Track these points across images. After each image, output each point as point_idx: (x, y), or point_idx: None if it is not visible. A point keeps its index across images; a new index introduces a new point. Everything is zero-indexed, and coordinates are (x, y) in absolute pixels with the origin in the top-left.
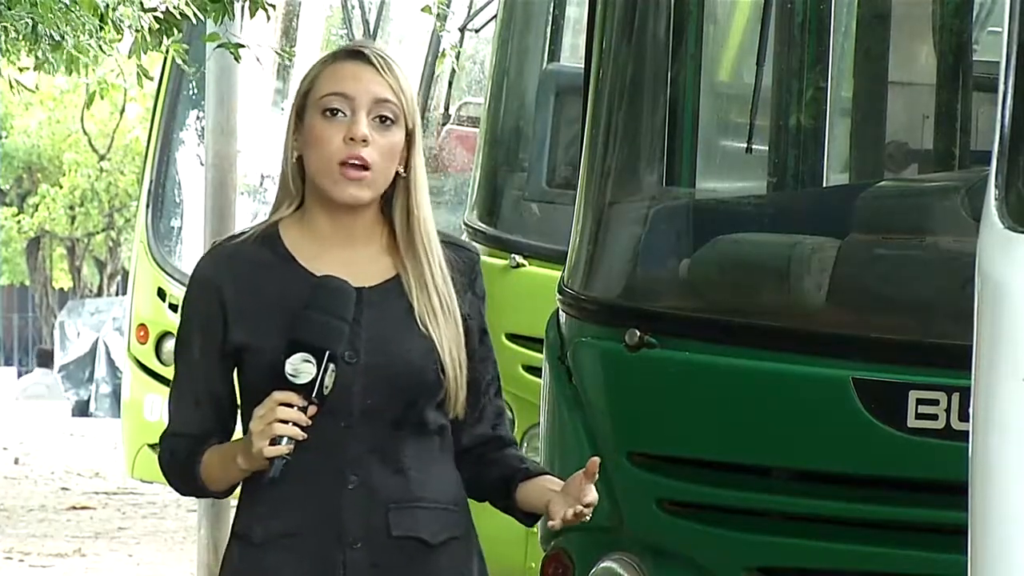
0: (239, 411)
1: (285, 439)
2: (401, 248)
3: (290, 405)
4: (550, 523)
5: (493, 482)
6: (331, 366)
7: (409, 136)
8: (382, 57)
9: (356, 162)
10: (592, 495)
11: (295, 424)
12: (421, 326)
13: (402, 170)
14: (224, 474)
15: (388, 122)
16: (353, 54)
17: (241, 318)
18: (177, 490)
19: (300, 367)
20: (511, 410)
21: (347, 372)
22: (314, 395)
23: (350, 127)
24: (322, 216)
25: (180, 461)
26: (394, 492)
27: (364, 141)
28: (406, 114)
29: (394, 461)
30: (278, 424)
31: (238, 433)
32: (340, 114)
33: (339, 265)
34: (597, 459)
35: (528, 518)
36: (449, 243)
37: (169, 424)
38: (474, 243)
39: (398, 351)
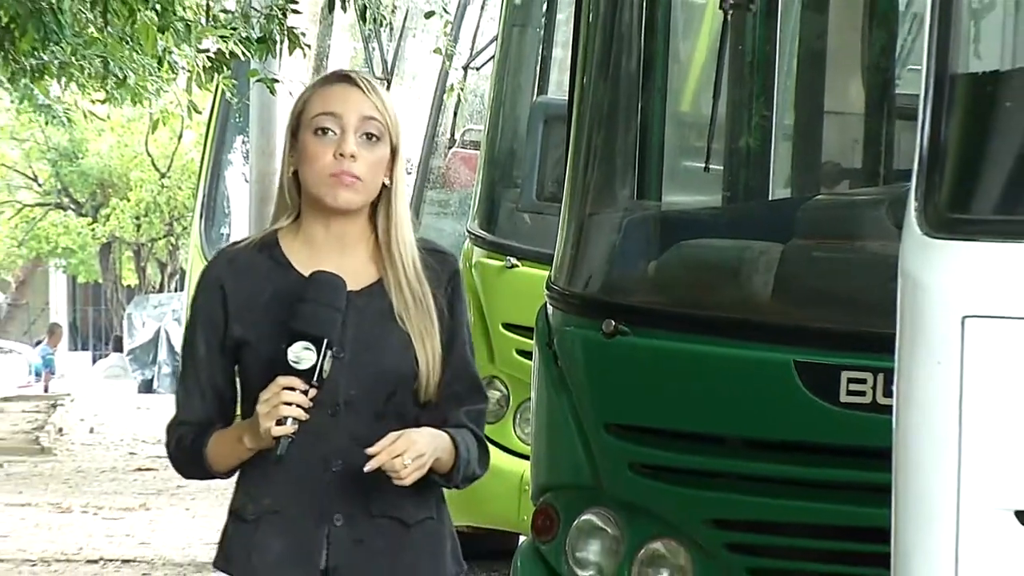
0: (238, 401)
1: (290, 420)
2: (382, 251)
3: (293, 389)
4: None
5: None
6: (329, 352)
7: (394, 151)
8: (367, 81)
9: (347, 175)
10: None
11: (298, 406)
12: (399, 322)
13: (387, 181)
14: (230, 455)
15: (374, 139)
16: (341, 78)
17: (240, 315)
18: (182, 473)
19: (301, 354)
20: (506, 387)
21: (335, 367)
22: (315, 379)
23: (340, 144)
24: (317, 224)
25: (186, 447)
26: (374, 476)
27: (352, 156)
28: (390, 131)
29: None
30: (284, 406)
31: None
32: (331, 132)
33: (330, 270)
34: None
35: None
36: (430, 249)
37: (176, 414)
38: (452, 251)
39: (379, 346)
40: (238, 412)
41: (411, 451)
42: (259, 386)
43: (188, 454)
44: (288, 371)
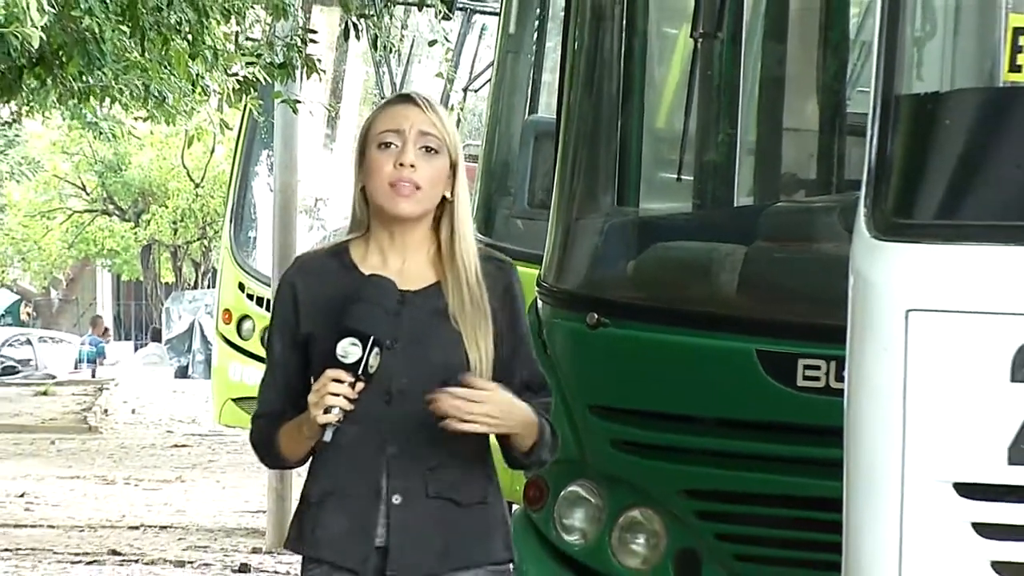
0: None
1: (335, 409)
2: (444, 260)
3: (340, 381)
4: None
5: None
6: (375, 349)
7: (453, 166)
8: (427, 100)
9: (406, 184)
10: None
11: (344, 397)
12: (453, 321)
13: (448, 195)
14: (295, 444)
15: (432, 152)
16: (402, 98)
17: (309, 314)
18: (264, 462)
19: (348, 349)
20: None
21: (389, 357)
22: (360, 372)
23: (400, 155)
24: (383, 232)
25: (264, 438)
26: (429, 459)
27: (412, 166)
28: (448, 147)
29: (432, 432)
30: (329, 396)
31: None
32: (393, 146)
33: (392, 272)
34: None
35: (513, 458)
36: (490, 257)
37: (258, 407)
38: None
39: (429, 341)
40: None
41: (484, 408)
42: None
43: (266, 443)
44: (336, 364)
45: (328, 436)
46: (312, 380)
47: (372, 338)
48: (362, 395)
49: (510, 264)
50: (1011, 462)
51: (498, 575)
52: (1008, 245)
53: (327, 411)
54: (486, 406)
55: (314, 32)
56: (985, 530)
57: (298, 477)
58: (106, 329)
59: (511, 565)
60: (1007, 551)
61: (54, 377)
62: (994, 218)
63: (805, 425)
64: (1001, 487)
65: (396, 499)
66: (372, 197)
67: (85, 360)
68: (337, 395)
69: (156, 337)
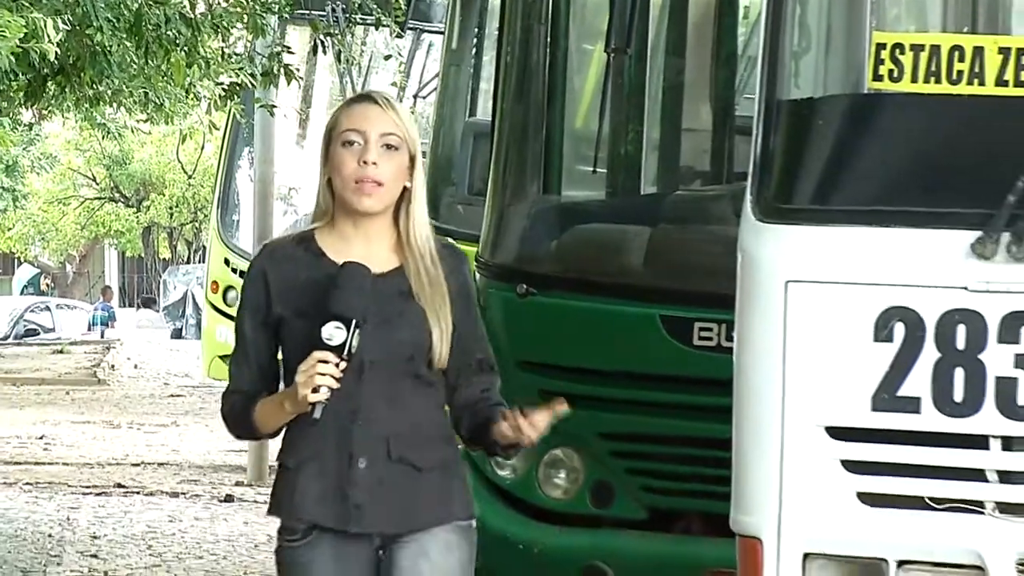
0: (281, 372)
1: (324, 388)
2: (404, 244)
3: (326, 362)
4: (499, 432)
5: (477, 427)
6: (357, 331)
7: (412, 158)
8: (386, 99)
9: (369, 182)
10: (538, 428)
11: (331, 376)
12: (416, 300)
13: (408, 184)
14: (273, 418)
15: (393, 148)
16: (364, 98)
17: (280, 298)
18: (233, 434)
19: (333, 333)
20: None
21: (361, 335)
22: (345, 353)
23: (362, 153)
24: (347, 222)
25: (236, 412)
26: (393, 426)
27: (374, 164)
28: (407, 142)
29: (394, 403)
30: (319, 376)
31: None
32: (356, 144)
33: (358, 258)
34: (565, 407)
35: (503, 450)
36: (443, 244)
37: (229, 384)
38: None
39: (397, 320)
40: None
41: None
42: (296, 357)
43: (239, 418)
44: (322, 347)
45: (318, 413)
46: (284, 360)
47: (355, 321)
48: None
49: (460, 249)
50: (874, 409)
51: (461, 531)
52: (871, 227)
53: (315, 391)
54: (536, 436)
55: (291, 49)
56: (852, 466)
57: None
58: (104, 292)
59: (472, 522)
60: (870, 484)
61: (69, 338)
62: (859, 204)
63: (700, 378)
64: (865, 430)
65: (362, 462)
66: (338, 192)
67: (98, 323)
68: (324, 375)
69: (147, 304)
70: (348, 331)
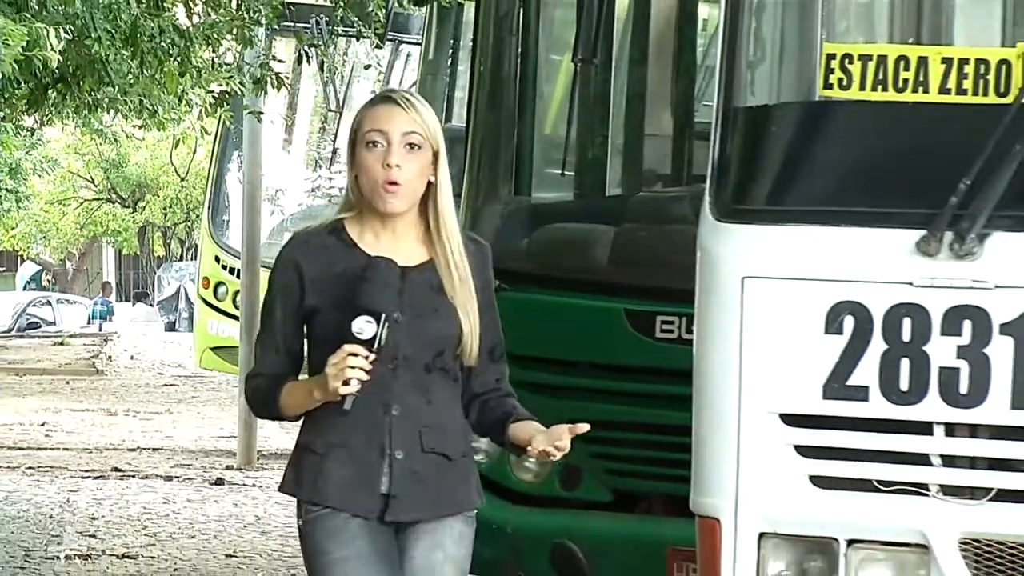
0: (305, 358)
1: (354, 381)
2: (433, 238)
3: (356, 355)
4: (529, 449)
5: (492, 422)
6: (386, 325)
7: (436, 155)
8: (407, 98)
9: (394, 184)
10: (566, 444)
11: (361, 369)
12: (447, 295)
13: (433, 179)
14: (300, 402)
15: (416, 148)
16: (385, 99)
17: (314, 288)
18: (257, 415)
19: (364, 327)
20: None
21: (395, 330)
22: (375, 347)
23: (386, 155)
24: (375, 217)
25: (263, 393)
26: (425, 418)
27: (397, 166)
28: (429, 139)
29: (426, 395)
30: (350, 369)
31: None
32: (379, 145)
33: (388, 250)
34: (586, 425)
35: (515, 449)
36: (470, 238)
37: (255, 366)
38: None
39: (430, 314)
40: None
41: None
42: (326, 347)
43: (264, 400)
44: (352, 340)
45: (348, 404)
46: (311, 347)
47: (384, 315)
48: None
49: (486, 244)
50: (825, 397)
51: (470, 521)
52: (823, 226)
53: (346, 383)
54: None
55: (278, 59)
56: (804, 451)
57: None
58: (104, 288)
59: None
60: (821, 467)
61: (69, 331)
62: (811, 204)
63: (663, 368)
64: (817, 417)
65: (399, 454)
66: (364, 192)
67: (98, 317)
68: (354, 368)
69: (140, 299)
70: (378, 325)
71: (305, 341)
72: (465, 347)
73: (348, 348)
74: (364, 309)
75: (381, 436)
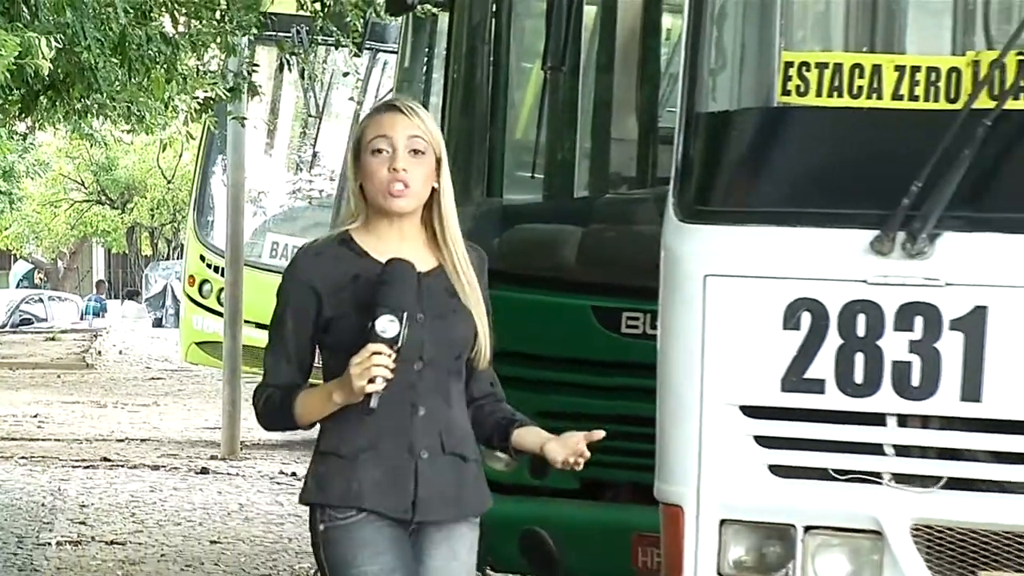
0: (319, 367)
1: (379, 379)
2: (439, 243)
3: (380, 354)
4: (553, 459)
5: (492, 426)
6: (408, 323)
7: (439, 162)
8: (410, 106)
9: (400, 184)
10: (587, 453)
11: (385, 367)
12: (462, 299)
13: (436, 185)
14: (317, 409)
15: (420, 153)
16: (389, 107)
17: (331, 300)
18: (266, 427)
19: (387, 326)
20: None
21: (418, 330)
22: (397, 346)
23: (391, 161)
24: (382, 221)
25: (275, 404)
26: (445, 419)
27: (404, 170)
28: (433, 145)
29: (446, 397)
30: (375, 367)
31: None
32: (384, 152)
33: (397, 255)
34: (601, 432)
35: (519, 455)
36: (468, 244)
37: (265, 377)
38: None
39: (450, 317)
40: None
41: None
42: (345, 349)
43: (276, 411)
44: (374, 339)
45: (374, 402)
46: (327, 355)
47: (406, 314)
48: (396, 364)
49: (483, 251)
50: (783, 390)
51: (475, 525)
52: (781, 226)
53: (371, 381)
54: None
55: (256, 65)
56: (763, 441)
57: (245, 402)
58: (98, 286)
59: None
60: (779, 457)
61: (60, 327)
62: (770, 206)
63: (628, 362)
64: (775, 409)
65: (424, 455)
66: (370, 197)
67: (91, 313)
68: (379, 366)
69: (130, 297)
70: (400, 324)
71: (316, 352)
72: (480, 350)
73: (372, 347)
74: (388, 308)
75: (409, 437)
